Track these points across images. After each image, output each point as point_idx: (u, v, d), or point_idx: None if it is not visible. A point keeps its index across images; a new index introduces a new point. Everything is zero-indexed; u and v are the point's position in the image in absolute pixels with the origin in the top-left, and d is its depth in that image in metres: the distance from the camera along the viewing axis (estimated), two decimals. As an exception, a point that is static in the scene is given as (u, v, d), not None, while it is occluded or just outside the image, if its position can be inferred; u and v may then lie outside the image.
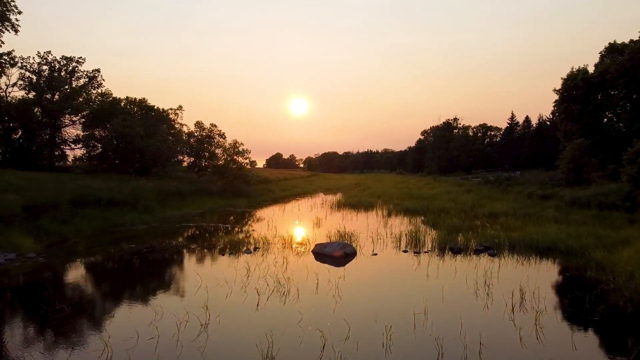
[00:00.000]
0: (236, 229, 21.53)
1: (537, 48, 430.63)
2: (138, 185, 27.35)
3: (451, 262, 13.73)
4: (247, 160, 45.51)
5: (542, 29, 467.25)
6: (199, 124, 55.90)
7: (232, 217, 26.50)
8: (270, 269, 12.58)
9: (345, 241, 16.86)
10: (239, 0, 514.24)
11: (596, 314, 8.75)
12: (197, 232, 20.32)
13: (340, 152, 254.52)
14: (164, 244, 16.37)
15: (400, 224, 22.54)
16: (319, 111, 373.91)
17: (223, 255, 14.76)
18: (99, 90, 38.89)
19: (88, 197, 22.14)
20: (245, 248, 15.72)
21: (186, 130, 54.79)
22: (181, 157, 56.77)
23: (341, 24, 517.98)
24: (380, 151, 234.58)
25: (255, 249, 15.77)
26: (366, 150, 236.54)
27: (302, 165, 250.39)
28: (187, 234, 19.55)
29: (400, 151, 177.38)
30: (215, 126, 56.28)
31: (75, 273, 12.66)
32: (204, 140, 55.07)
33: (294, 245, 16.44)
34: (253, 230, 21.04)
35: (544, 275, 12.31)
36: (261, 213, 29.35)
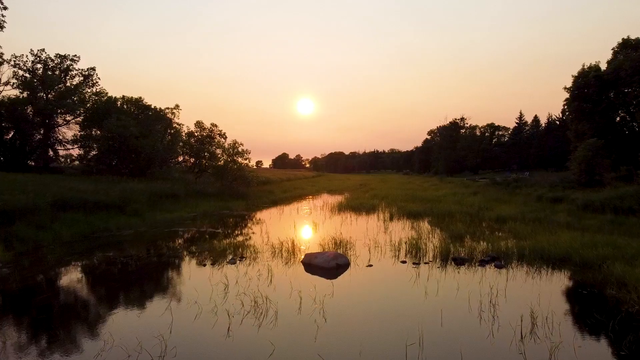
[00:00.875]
0: (226, 234, 20.31)
1: (545, 47, 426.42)
2: (128, 187, 26.21)
3: (453, 275, 12.41)
4: (247, 161, 44.36)
5: (550, 28, 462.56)
6: (199, 124, 54.92)
7: (225, 221, 25.30)
8: (252, 284, 11.34)
9: (340, 250, 15.61)
10: (246, 1, 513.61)
11: (623, 346, 7.40)
12: (184, 238, 19.13)
13: (347, 152, 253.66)
14: (143, 253, 15.16)
15: (401, 230, 21.21)
16: (326, 111, 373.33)
17: (204, 266, 13.53)
18: (94, 89, 37.85)
19: (72, 200, 21.05)
20: (229, 258, 14.48)
21: (186, 130, 53.85)
22: (180, 158, 55.85)
23: (347, 24, 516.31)
24: (386, 151, 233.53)
25: (241, 258, 14.53)
26: (373, 150, 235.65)
27: (308, 166, 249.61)
28: (172, 241, 18.32)
29: (407, 151, 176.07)
30: (216, 126, 55.21)
31: (31, 289, 11.25)
32: (205, 140, 54.10)
33: (284, 254, 15.17)
34: (243, 236, 19.82)
35: (557, 292, 10.96)
36: (257, 216, 28.14)
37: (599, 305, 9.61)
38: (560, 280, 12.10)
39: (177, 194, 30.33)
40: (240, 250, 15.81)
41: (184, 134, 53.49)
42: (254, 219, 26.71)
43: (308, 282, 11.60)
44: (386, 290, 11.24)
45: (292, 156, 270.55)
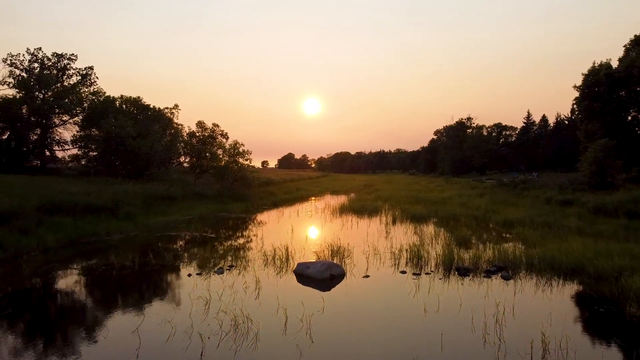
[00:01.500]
0: (219, 239, 19.43)
1: (552, 46, 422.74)
2: (121, 189, 25.39)
3: (456, 288, 11.44)
4: (248, 162, 43.51)
5: (557, 25, 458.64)
6: (200, 124, 54.14)
7: (220, 225, 24.46)
8: (237, 297, 10.43)
9: (337, 258, 14.73)
10: (250, 1, 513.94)
11: (649, 381, 6.43)
12: (174, 244, 18.26)
13: (353, 152, 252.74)
14: (127, 261, 14.22)
15: (403, 234, 20.26)
16: (332, 111, 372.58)
17: (189, 276, 12.62)
18: (92, 89, 37.13)
19: (61, 203, 20.26)
20: (217, 267, 13.59)
21: (187, 130, 53.09)
22: (182, 158, 55.10)
23: (352, 24, 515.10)
24: (392, 151, 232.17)
25: (230, 267, 13.63)
26: (379, 150, 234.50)
27: (314, 166, 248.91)
28: (161, 247, 17.35)
29: (413, 151, 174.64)
30: (218, 126, 54.36)
31: None
32: (206, 140, 53.34)
33: (276, 263, 14.25)
34: (237, 241, 18.96)
35: (570, 310, 9.97)
36: (254, 220, 27.27)
37: (619, 327, 8.63)
38: (573, 295, 11.10)
39: (174, 196, 29.52)
40: (230, 258, 14.96)
41: (185, 134, 52.80)
42: (251, 223, 25.85)
43: (298, 296, 10.68)
44: (382, 306, 10.28)
45: (298, 156, 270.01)
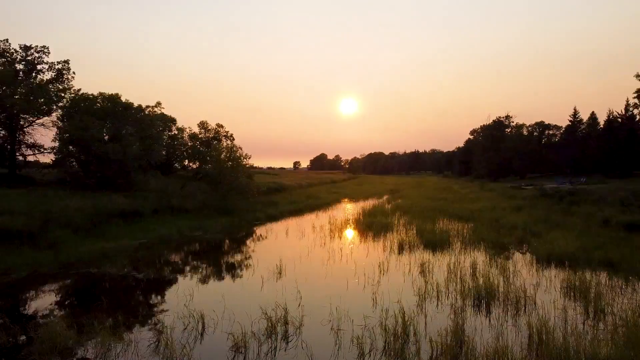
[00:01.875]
0: (144, 286, 14.20)
1: (600, 38, 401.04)
2: (62, 205, 20.59)
3: None
4: (248, 166, 38.36)
5: (605, 15, 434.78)
6: (202, 124, 49.81)
7: (173, 255, 19.45)
8: None
9: (280, 332, 9.16)
10: (287, 0, 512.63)
11: None
12: (64, 297, 13.14)
13: (387, 153, 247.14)
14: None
15: (400, 280, 14.47)
16: (368, 110, 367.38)
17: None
18: (66, 85, 32.70)
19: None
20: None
21: (189, 132, 48.83)
22: (186, 162, 50.94)
23: (389, 22, 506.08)
24: (427, 151, 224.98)
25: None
26: (413, 150, 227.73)
27: (347, 166, 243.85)
28: (40, 302, 12.26)
29: (448, 152, 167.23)
30: (222, 127, 50.04)
31: None
32: (210, 141, 48.99)
33: (180, 340, 8.82)
34: (161, 293, 13.71)
35: None
36: (227, 245, 22.05)
37: None
38: None
39: (140, 210, 24.61)
40: (126, 327, 9.57)
41: (186, 136, 48.42)
42: (217, 251, 20.68)
43: None
44: None
45: (330, 157, 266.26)
